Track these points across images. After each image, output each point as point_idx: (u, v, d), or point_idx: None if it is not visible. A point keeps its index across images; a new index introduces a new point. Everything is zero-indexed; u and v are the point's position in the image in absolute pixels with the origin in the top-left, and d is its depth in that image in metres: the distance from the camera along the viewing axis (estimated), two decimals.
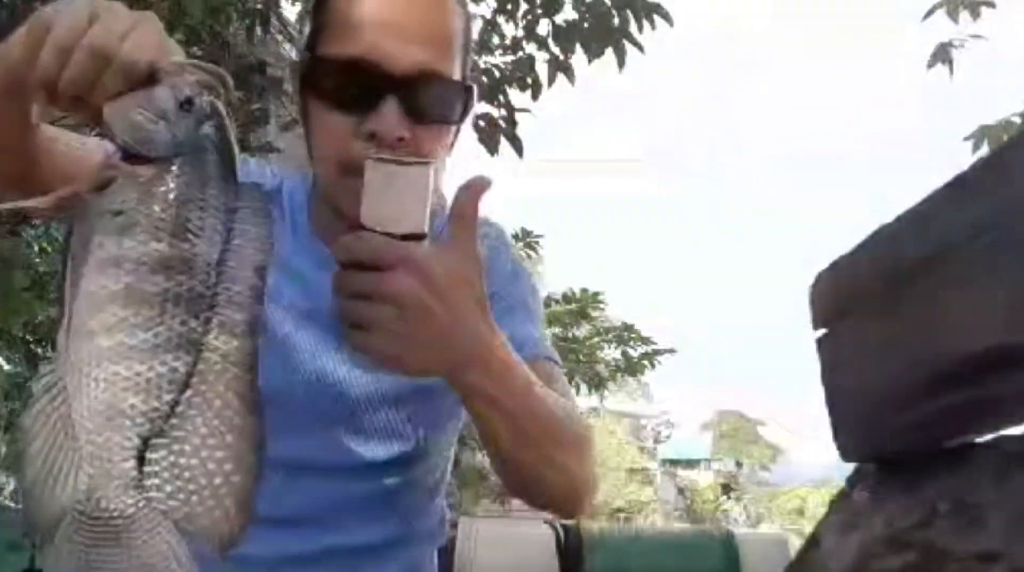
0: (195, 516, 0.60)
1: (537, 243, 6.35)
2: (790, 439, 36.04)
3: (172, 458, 0.60)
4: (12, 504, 5.31)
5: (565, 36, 3.59)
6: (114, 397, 0.60)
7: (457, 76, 0.94)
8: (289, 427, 0.89)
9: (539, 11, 3.67)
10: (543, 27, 3.68)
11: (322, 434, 0.97)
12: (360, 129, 0.89)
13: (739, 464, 32.59)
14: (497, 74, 3.74)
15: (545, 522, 2.39)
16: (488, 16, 3.74)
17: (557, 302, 7.27)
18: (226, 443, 0.61)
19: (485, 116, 3.65)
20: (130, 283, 0.61)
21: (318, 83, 0.93)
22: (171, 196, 0.62)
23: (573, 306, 7.33)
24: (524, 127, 3.70)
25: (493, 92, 3.67)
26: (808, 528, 0.66)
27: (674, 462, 29.37)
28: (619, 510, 19.10)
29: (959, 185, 0.48)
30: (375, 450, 0.99)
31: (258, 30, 3.75)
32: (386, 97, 0.89)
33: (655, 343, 7.57)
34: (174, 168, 0.63)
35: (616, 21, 3.45)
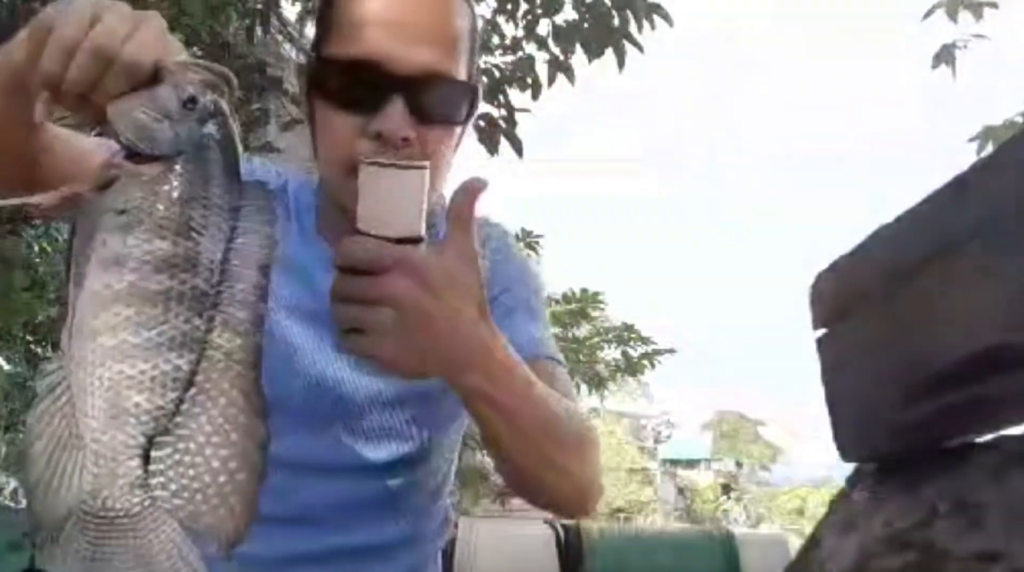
0: (200, 514, 0.60)
1: (537, 243, 6.34)
2: (790, 439, 36.04)
3: (177, 456, 0.61)
4: (12, 504, 5.30)
5: (565, 36, 3.59)
6: (118, 396, 0.60)
7: (463, 76, 0.94)
8: (292, 427, 0.90)
9: (539, 11, 3.67)
10: (543, 27, 3.69)
11: (324, 434, 0.97)
12: (366, 129, 0.90)
13: (739, 464, 32.53)
14: (497, 74, 3.74)
15: (545, 522, 2.39)
16: (488, 16, 3.74)
17: (557, 302, 7.26)
18: (230, 441, 0.61)
19: (485, 116, 3.65)
20: (134, 281, 0.61)
21: (324, 84, 0.93)
22: (174, 194, 0.62)
23: (573, 306, 7.32)
24: (524, 127, 3.70)
25: (493, 92, 3.67)
26: (808, 528, 0.66)
27: (674, 462, 29.28)
28: (619, 510, 19.06)
29: (959, 185, 0.48)
30: (378, 451, 0.99)
31: (258, 30, 3.75)
32: (392, 97, 0.89)
33: (655, 343, 7.56)
34: (177, 167, 0.63)
35: (616, 21, 3.45)
